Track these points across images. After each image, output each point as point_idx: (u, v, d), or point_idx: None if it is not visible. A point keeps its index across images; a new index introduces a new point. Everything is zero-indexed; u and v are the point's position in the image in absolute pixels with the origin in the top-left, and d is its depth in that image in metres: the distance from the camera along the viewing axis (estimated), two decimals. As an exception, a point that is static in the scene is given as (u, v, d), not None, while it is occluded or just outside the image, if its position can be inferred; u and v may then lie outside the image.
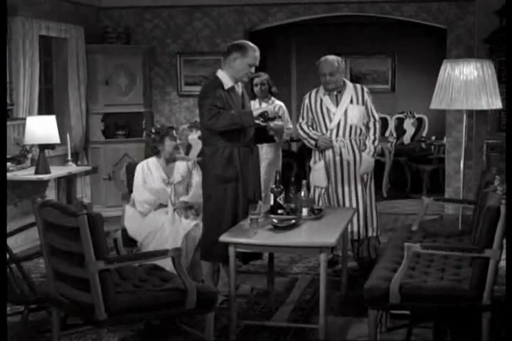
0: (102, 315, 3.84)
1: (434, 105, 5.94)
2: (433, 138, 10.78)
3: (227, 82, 5.30)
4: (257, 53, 5.30)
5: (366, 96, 6.08)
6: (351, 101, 6.03)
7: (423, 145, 11.00)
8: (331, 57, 6.02)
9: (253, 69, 5.34)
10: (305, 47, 12.26)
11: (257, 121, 5.16)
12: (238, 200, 5.26)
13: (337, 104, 6.03)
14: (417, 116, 11.42)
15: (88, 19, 8.94)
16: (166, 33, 9.30)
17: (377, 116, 6.14)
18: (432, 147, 10.62)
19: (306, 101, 6.18)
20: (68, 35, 8.26)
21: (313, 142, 6.09)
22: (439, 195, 8.83)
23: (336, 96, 6.04)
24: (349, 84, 6.10)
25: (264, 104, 6.97)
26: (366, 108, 6.07)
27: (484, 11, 8.13)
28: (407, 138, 11.37)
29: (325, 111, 6.05)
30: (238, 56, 5.26)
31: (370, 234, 6.20)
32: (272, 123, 5.20)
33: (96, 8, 9.21)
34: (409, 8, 8.85)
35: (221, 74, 5.34)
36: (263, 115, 5.17)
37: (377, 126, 6.13)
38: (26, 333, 4.67)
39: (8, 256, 4.42)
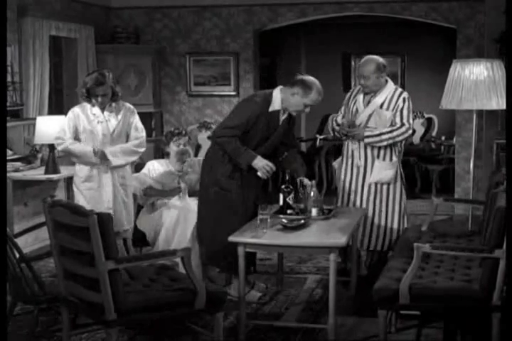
0: (112, 315, 3.85)
1: (444, 105, 5.92)
2: (443, 138, 10.76)
3: (276, 105, 5.26)
4: (320, 98, 5.21)
5: (400, 102, 5.64)
6: (381, 106, 5.67)
7: (433, 145, 10.97)
8: (370, 59, 5.67)
9: (308, 109, 5.27)
10: (315, 47, 12.25)
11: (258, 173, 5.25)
12: (238, 206, 5.27)
13: (367, 106, 5.72)
14: (426, 116, 11.40)
15: (98, 19, 8.96)
16: (176, 33, 9.32)
17: (407, 124, 5.62)
18: (442, 147, 10.60)
19: (348, 95, 5.94)
20: (78, 35, 8.28)
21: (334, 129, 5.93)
22: (449, 195, 8.82)
23: (371, 97, 5.72)
24: (389, 88, 5.72)
25: (106, 113, 5.70)
26: (395, 113, 5.63)
27: (494, 11, 8.10)
28: (416, 138, 11.34)
29: (354, 110, 5.77)
30: (300, 92, 5.17)
31: (379, 247, 5.86)
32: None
33: (106, 8, 9.23)
34: (419, 7, 8.84)
35: (277, 95, 5.28)
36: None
37: (403, 129, 5.60)
38: (36, 333, 4.67)
39: (18, 255, 4.44)
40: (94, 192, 5.71)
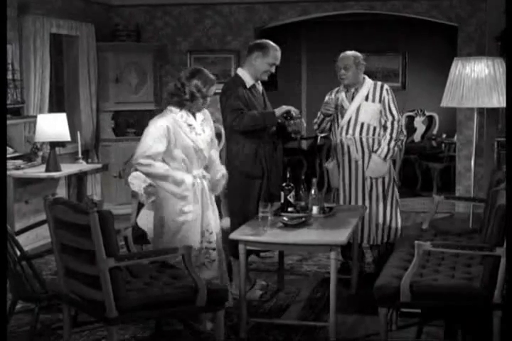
0: (113, 313, 3.85)
1: (445, 103, 5.93)
2: (444, 136, 10.76)
3: (249, 80, 5.41)
4: (278, 53, 5.41)
5: (385, 93, 5.78)
6: (366, 99, 5.77)
7: (434, 143, 10.97)
8: (349, 53, 5.83)
9: (273, 69, 5.43)
10: (315, 45, 12.25)
11: (285, 120, 5.29)
12: (261, 196, 5.32)
13: (351, 101, 5.81)
14: (427, 113, 11.40)
15: (99, 17, 8.95)
16: (177, 30, 9.31)
17: (396, 116, 5.77)
18: (443, 145, 10.59)
19: (327, 97, 5.98)
20: (79, 33, 8.28)
21: (320, 115, 5.88)
22: (450, 193, 8.82)
23: (353, 93, 5.82)
24: (368, 82, 5.83)
25: (199, 121, 4.79)
26: (384, 106, 5.76)
27: (496, 9, 8.10)
28: (417, 136, 11.34)
29: (339, 107, 5.82)
30: (259, 55, 5.36)
31: (379, 241, 5.86)
32: (292, 121, 5.25)
33: (107, 6, 9.23)
34: (420, 5, 8.83)
35: (242, 72, 5.44)
36: (287, 114, 5.27)
37: (396, 125, 5.74)
38: (37, 330, 4.67)
39: (19, 253, 4.44)
40: (197, 214, 4.80)
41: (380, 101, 5.78)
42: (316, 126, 6.01)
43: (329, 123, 5.92)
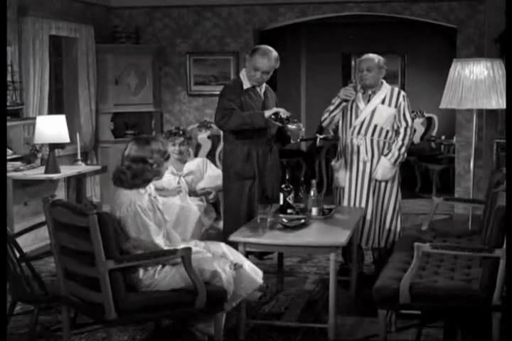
0: (112, 315, 3.85)
1: (444, 104, 5.93)
2: (443, 137, 10.75)
3: (246, 82, 5.45)
4: (264, 59, 5.34)
5: (401, 99, 5.78)
6: (382, 102, 5.77)
7: (433, 144, 10.97)
8: (372, 55, 5.83)
9: (258, 75, 5.37)
10: (315, 46, 12.24)
11: (273, 122, 5.22)
12: (253, 198, 5.34)
13: (368, 103, 5.80)
14: (426, 115, 11.39)
15: (98, 19, 8.96)
16: (176, 32, 9.32)
17: (410, 122, 5.79)
18: (442, 146, 10.59)
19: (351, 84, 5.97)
20: (78, 34, 8.28)
21: (336, 101, 5.78)
22: (449, 195, 8.81)
23: (370, 95, 5.81)
24: (386, 86, 5.84)
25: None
26: (398, 112, 5.76)
27: (494, 11, 8.10)
28: (416, 138, 11.32)
29: (354, 107, 5.81)
30: (248, 59, 5.43)
31: (381, 244, 5.89)
32: (289, 125, 5.22)
33: (106, 8, 9.23)
34: (419, 7, 8.83)
35: (242, 74, 5.50)
36: (276, 115, 5.21)
37: (408, 131, 5.77)
38: (37, 332, 4.67)
39: (18, 255, 4.44)
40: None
41: (395, 106, 5.78)
42: (326, 115, 5.86)
43: (338, 117, 5.85)
